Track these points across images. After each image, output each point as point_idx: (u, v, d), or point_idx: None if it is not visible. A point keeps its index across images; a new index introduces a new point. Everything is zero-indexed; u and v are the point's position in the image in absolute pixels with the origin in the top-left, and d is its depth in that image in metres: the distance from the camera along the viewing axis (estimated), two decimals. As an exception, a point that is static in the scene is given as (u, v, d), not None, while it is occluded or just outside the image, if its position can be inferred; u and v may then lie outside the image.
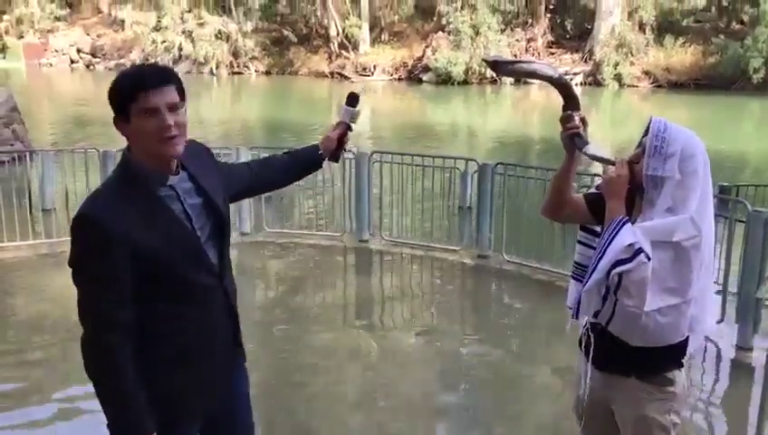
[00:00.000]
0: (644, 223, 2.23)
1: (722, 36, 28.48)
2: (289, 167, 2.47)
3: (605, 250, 2.21)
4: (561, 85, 2.36)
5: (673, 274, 2.21)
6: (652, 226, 2.20)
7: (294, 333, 5.17)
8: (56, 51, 38.44)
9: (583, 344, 2.47)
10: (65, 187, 8.28)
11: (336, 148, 2.50)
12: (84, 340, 1.90)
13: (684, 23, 30.67)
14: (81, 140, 14.76)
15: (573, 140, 2.34)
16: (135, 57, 35.49)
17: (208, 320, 2.05)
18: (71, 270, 1.92)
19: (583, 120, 2.35)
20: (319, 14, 34.11)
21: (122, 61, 36.17)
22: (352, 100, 2.53)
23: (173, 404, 1.99)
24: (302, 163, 2.49)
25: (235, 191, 2.28)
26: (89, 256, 1.87)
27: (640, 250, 2.15)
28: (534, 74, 2.37)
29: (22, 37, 38.76)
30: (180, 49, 33.96)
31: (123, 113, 1.90)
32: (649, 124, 2.27)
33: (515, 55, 30.42)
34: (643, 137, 2.32)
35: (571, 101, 2.36)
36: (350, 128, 2.51)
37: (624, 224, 2.21)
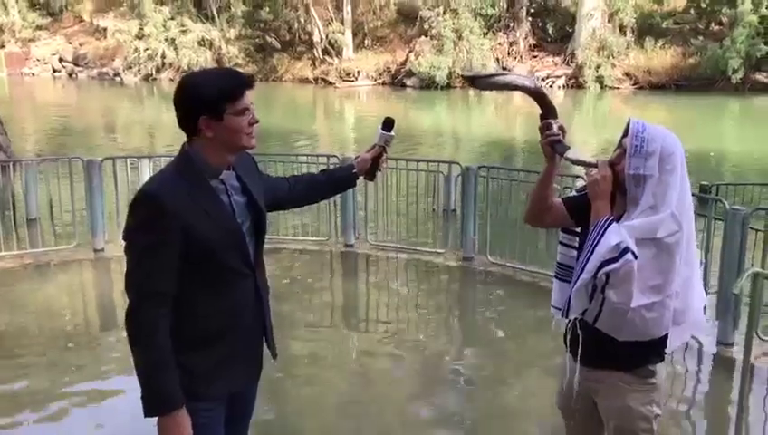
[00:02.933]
0: (628, 222, 2.29)
1: (701, 38, 28.79)
2: (324, 183, 2.64)
3: (593, 250, 2.27)
4: (538, 95, 2.43)
5: (657, 270, 2.28)
6: (636, 224, 2.27)
7: (281, 339, 5.19)
8: (38, 60, 38.15)
9: (568, 340, 2.54)
10: (49, 196, 8.26)
11: (371, 168, 2.64)
12: (128, 310, 2.04)
13: (663, 25, 30.95)
14: (65, 150, 14.68)
15: (554, 147, 2.41)
16: (118, 65, 35.33)
17: (237, 308, 2.18)
18: (124, 243, 2.08)
19: (561, 128, 2.42)
20: (302, 20, 34.08)
21: (105, 69, 36.00)
22: (388, 125, 2.62)
23: (193, 383, 2.09)
24: (336, 181, 2.67)
25: (272, 201, 2.43)
26: (142, 228, 2.03)
27: (627, 249, 2.22)
28: (511, 86, 2.44)
29: (3, 47, 38.41)
30: (163, 57, 33.82)
31: (217, 112, 2.06)
32: (628, 125, 2.35)
33: (497, 59, 30.60)
34: (622, 138, 2.39)
35: (548, 110, 2.43)
36: (384, 150, 2.63)
37: (610, 224, 2.28)
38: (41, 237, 7.61)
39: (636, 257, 2.22)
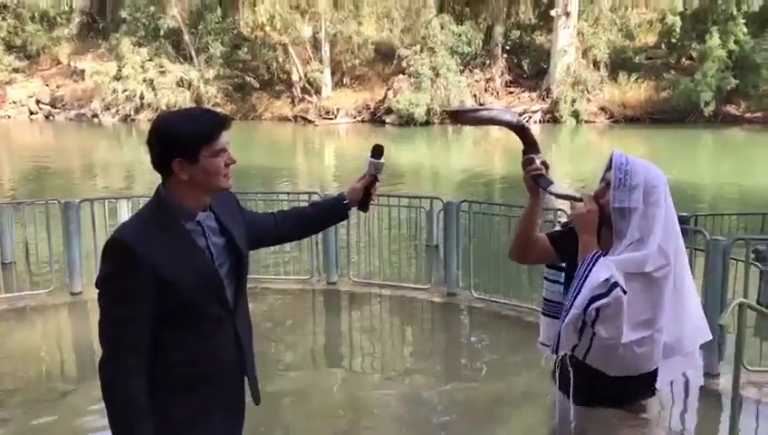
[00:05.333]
0: (616, 256, 2.27)
1: (673, 72, 29.44)
2: (313, 216, 2.55)
3: (581, 286, 2.24)
4: (520, 130, 2.43)
5: (646, 304, 2.26)
6: (624, 259, 2.25)
7: (264, 381, 5.08)
8: (14, 102, 37.95)
9: (557, 377, 2.50)
10: (25, 240, 8.12)
11: (363, 198, 2.52)
12: (101, 360, 1.97)
13: (636, 59, 31.63)
14: (43, 192, 14.53)
15: (537, 181, 2.40)
16: (96, 106, 35.24)
17: (215, 353, 2.11)
18: (97, 291, 2.02)
19: (544, 163, 2.42)
20: (280, 59, 34.32)
21: (82, 111, 35.88)
22: (377, 152, 2.51)
23: (171, 432, 2.03)
24: (326, 213, 2.57)
25: (259, 238, 2.38)
26: (114, 276, 1.97)
27: (616, 284, 2.20)
28: (494, 120, 2.44)
29: (-22, 90, 38.22)
30: (142, 97, 33.81)
31: (192, 154, 2.00)
32: (611, 159, 2.35)
33: (474, 96, 30.98)
34: (606, 172, 2.38)
35: (530, 145, 2.43)
36: (376, 178, 2.51)
37: (598, 258, 2.26)
38: (16, 282, 7.45)
39: (625, 293, 2.20)
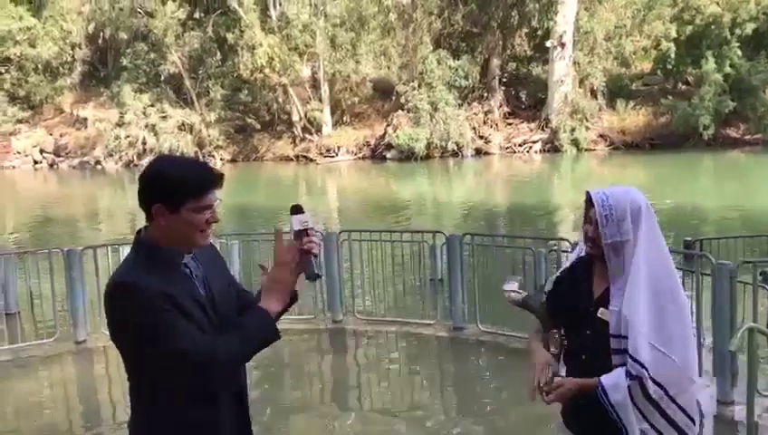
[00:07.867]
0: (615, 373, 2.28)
1: (670, 97, 29.63)
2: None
3: (619, 417, 2.26)
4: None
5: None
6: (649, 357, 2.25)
7: (272, 425, 5.01)
8: (19, 153, 38.33)
9: (577, 424, 2.49)
10: (29, 289, 8.11)
11: (303, 259, 2.09)
12: (212, 366, 1.94)
13: (633, 86, 31.88)
14: (47, 240, 14.56)
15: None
16: (99, 153, 35.52)
17: (219, 396, 2.07)
18: (138, 347, 1.95)
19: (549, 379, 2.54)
20: (281, 100, 34.69)
21: (86, 158, 36.17)
22: (296, 209, 2.17)
23: None
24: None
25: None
26: (140, 317, 1.90)
27: (628, 373, 2.23)
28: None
29: (-18, 141, 38.61)
30: (144, 143, 34.09)
31: (176, 204, 1.98)
32: (590, 199, 2.32)
33: (474, 129, 31.15)
34: (587, 212, 2.35)
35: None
36: (305, 233, 2.10)
37: (602, 389, 2.28)
38: (20, 332, 7.42)
39: (644, 366, 2.20)
